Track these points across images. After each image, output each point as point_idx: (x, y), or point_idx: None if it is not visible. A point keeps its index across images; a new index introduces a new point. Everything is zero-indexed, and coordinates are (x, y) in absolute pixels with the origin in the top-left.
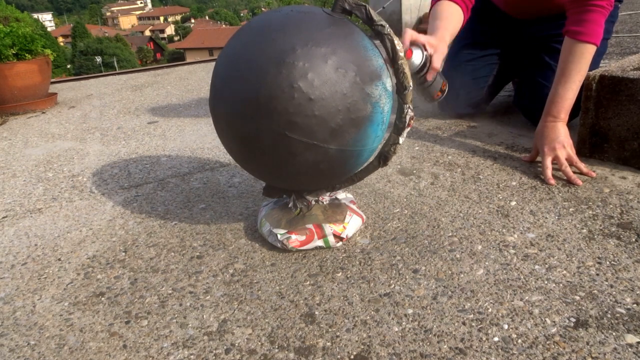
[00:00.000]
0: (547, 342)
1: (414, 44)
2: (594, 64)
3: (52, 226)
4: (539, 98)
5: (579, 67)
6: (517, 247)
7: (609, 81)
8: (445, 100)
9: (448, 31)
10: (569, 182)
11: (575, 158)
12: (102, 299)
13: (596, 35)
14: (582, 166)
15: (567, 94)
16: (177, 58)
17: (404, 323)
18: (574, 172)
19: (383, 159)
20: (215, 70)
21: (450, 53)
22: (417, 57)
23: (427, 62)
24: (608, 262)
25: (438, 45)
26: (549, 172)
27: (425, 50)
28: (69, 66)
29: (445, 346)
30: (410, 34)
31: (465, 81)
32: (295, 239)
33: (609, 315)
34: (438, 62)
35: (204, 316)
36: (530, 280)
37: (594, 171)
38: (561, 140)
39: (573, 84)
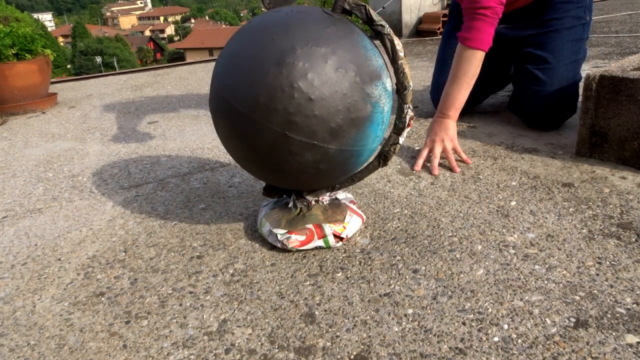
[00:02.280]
0: (547, 342)
1: None
2: (576, 51)
3: (52, 226)
4: (529, 105)
5: (465, 69)
6: (517, 247)
7: (609, 81)
8: (437, 100)
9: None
10: (452, 169)
11: (449, 152)
12: (102, 299)
13: (481, 42)
14: (452, 160)
15: (455, 94)
16: (177, 58)
17: (404, 323)
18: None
19: (383, 159)
20: (215, 70)
21: (437, 56)
22: None
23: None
24: (608, 262)
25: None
26: (420, 160)
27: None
28: (69, 66)
29: (445, 346)
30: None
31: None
32: (295, 239)
33: (609, 315)
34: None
35: (204, 316)
36: (530, 280)
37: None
38: (441, 135)
39: (461, 85)
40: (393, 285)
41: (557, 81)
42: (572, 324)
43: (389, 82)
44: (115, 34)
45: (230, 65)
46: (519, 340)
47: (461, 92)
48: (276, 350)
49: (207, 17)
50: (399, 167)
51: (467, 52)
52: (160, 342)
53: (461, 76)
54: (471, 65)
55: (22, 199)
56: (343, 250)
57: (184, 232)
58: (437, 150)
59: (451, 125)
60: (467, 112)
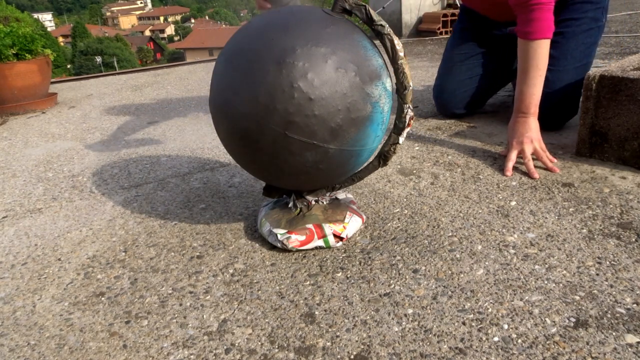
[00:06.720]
0: (547, 342)
1: None
2: (588, 54)
3: (52, 226)
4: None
5: (535, 63)
6: (517, 247)
7: (609, 81)
8: (441, 101)
9: None
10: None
11: (541, 153)
12: (102, 299)
13: (543, 30)
14: (547, 161)
15: (531, 89)
16: (177, 58)
17: (404, 323)
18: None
19: (383, 159)
20: (215, 70)
21: (444, 55)
22: None
23: None
24: (608, 262)
25: None
26: (510, 163)
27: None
28: (69, 66)
29: (445, 346)
30: None
31: (458, 81)
32: (295, 239)
33: (609, 315)
34: None
35: (204, 316)
36: (530, 280)
37: (558, 166)
38: (529, 135)
39: (534, 79)
40: (393, 285)
41: (564, 82)
42: (572, 324)
43: (389, 82)
44: (115, 34)
45: (230, 65)
46: (519, 340)
47: (536, 87)
48: (276, 350)
49: (207, 17)
50: (399, 167)
51: (531, 45)
52: (160, 342)
53: (532, 70)
54: (540, 56)
55: (22, 199)
56: (343, 250)
57: (184, 232)
58: (528, 152)
59: (534, 123)
60: (469, 114)
